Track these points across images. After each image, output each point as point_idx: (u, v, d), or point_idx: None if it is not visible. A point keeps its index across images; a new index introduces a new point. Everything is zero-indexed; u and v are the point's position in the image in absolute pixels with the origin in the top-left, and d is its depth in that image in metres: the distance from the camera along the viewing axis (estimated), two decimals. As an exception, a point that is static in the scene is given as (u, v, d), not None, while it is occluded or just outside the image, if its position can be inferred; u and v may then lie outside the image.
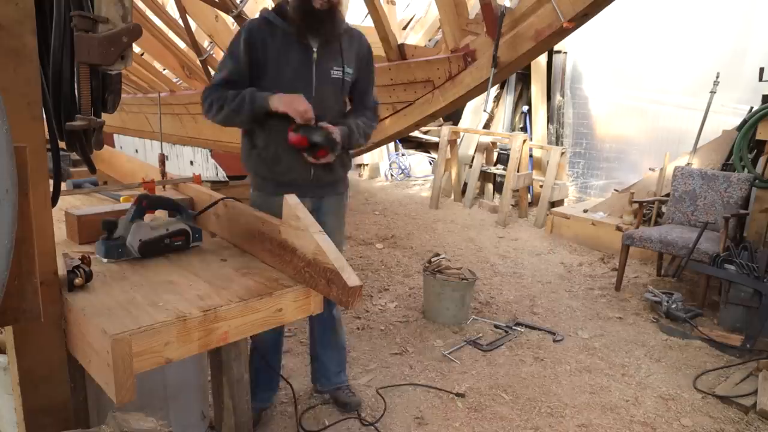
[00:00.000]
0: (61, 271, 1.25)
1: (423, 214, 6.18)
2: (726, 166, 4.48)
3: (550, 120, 6.54)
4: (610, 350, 3.14)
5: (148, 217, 1.67)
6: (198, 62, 4.10)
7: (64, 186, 2.12)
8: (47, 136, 1.22)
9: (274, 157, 2.04)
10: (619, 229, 4.83)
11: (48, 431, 1.22)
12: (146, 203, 1.62)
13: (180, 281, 1.41)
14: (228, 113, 1.95)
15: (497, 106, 6.97)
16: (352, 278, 1.31)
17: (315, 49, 1.98)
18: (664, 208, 4.56)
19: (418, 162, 8.39)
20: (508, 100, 6.85)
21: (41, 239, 1.13)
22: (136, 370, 1.10)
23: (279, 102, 1.90)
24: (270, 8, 2.07)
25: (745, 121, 4.27)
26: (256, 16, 2.07)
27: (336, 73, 2.04)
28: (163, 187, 2.10)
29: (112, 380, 1.07)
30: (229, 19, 3.53)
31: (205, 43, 4.23)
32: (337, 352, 2.48)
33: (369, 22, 3.40)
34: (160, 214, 1.81)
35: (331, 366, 2.47)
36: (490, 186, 6.86)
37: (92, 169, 1.53)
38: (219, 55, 4.47)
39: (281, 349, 2.43)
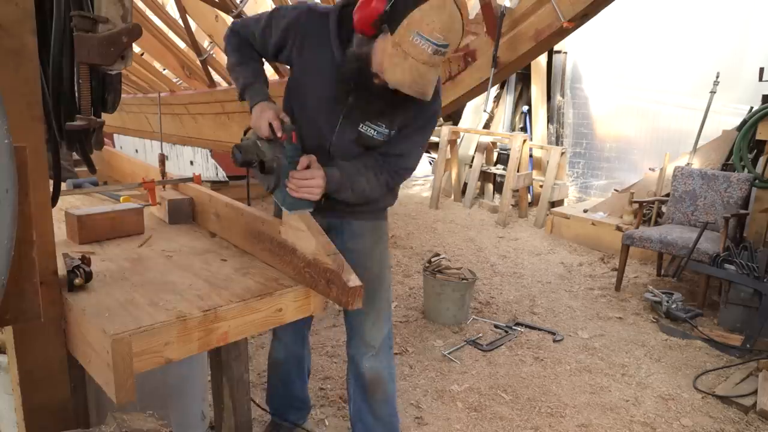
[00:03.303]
0: (61, 271, 1.25)
1: (423, 214, 6.18)
2: (726, 166, 4.48)
3: (550, 120, 6.54)
4: (610, 350, 3.14)
5: None
6: (198, 62, 4.09)
7: (64, 186, 2.12)
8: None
9: None
10: (619, 229, 4.83)
11: (48, 431, 1.22)
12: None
13: (180, 281, 1.41)
14: (230, 73, 1.70)
15: (497, 106, 6.96)
16: (352, 279, 1.31)
17: (352, 97, 1.53)
18: (664, 208, 4.56)
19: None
20: (508, 100, 6.85)
21: (41, 239, 1.13)
22: (136, 370, 1.10)
23: (253, 116, 1.54)
24: (340, 7, 1.54)
25: (745, 121, 4.27)
26: (324, 5, 1.62)
27: (368, 129, 1.58)
28: (163, 187, 2.09)
29: (112, 380, 1.07)
30: (229, 19, 3.52)
31: (205, 43, 4.22)
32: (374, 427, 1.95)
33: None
34: None
35: None
36: (490, 186, 6.86)
37: (92, 169, 1.53)
38: (219, 55, 4.47)
39: (307, 367, 2.17)
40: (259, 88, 1.61)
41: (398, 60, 1.31)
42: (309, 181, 1.45)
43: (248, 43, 1.68)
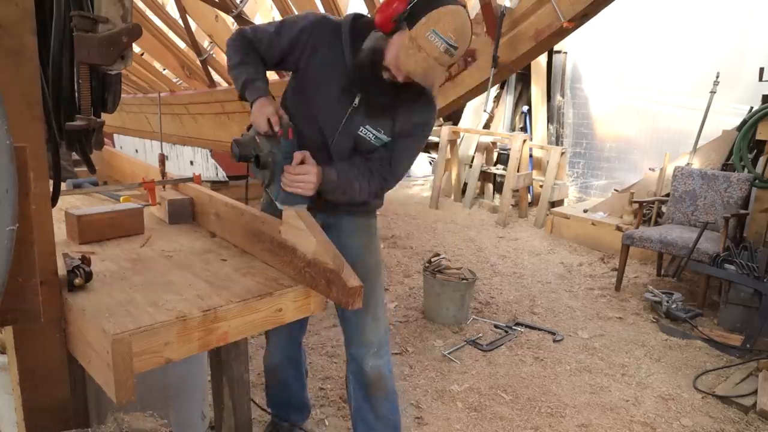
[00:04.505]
0: (61, 271, 1.25)
1: (423, 214, 6.18)
2: (726, 166, 4.48)
3: (550, 120, 6.55)
4: (610, 350, 3.14)
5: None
6: (198, 62, 4.10)
7: (64, 186, 2.12)
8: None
9: None
10: (619, 229, 4.83)
11: (48, 431, 1.22)
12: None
13: (180, 281, 1.41)
14: (230, 72, 1.70)
15: (497, 106, 6.96)
16: (351, 279, 1.31)
17: (358, 97, 1.61)
18: (664, 208, 4.56)
19: (418, 162, 8.39)
20: (508, 100, 6.85)
21: (41, 239, 1.13)
22: (136, 370, 1.10)
23: (253, 112, 1.57)
24: (352, 18, 1.64)
25: (745, 121, 4.28)
26: (335, 17, 1.69)
27: (367, 132, 1.64)
28: (163, 187, 2.10)
29: (112, 380, 1.07)
30: (229, 19, 3.53)
31: (205, 43, 4.23)
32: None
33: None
34: None
35: None
36: (490, 186, 6.86)
37: (92, 169, 1.53)
38: (219, 55, 4.47)
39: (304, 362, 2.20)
40: (260, 84, 1.63)
41: (412, 52, 1.43)
42: (302, 176, 1.49)
43: (253, 47, 1.68)
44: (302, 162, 1.51)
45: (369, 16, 1.71)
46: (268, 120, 1.52)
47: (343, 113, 1.63)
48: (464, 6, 1.47)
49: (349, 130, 1.65)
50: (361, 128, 1.64)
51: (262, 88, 1.62)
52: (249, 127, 1.65)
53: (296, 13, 3.20)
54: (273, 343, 2.07)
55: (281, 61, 1.69)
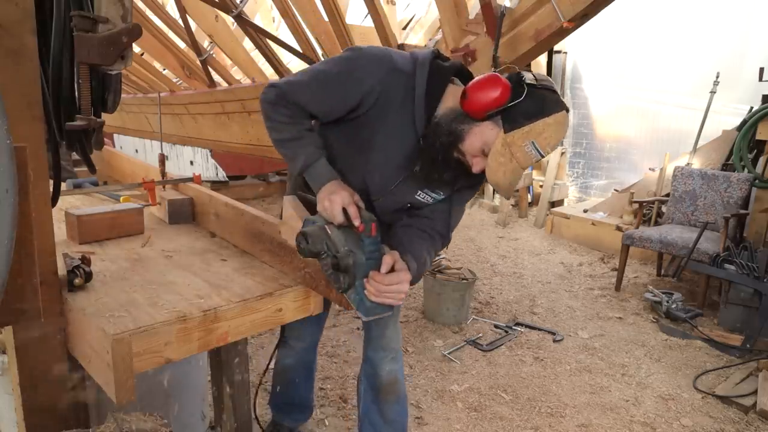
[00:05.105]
0: (61, 271, 1.25)
1: (423, 214, 6.18)
2: (726, 166, 4.48)
3: (550, 120, 6.54)
4: (610, 350, 3.14)
5: None
6: (198, 62, 4.10)
7: (64, 186, 2.12)
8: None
9: None
10: (619, 229, 4.83)
11: (48, 431, 1.22)
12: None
13: (180, 281, 1.41)
14: (278, 147, 1.43)
15: (497, 106, 6.95)
16: (352, 279, 1.30)
17: (420, 165, 1.40)
18: (664, 208, 4.56)
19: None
20: (508, 100, 6.84)
21: (41, 239, 1.13)
22: (136, 370, 1.10)
23: (321, 198, 1.33)
24: (428, 63, 1.37)
25: (745, 121, 4.28)
26: (404, 58, 1.37)
27: (425, 196, 1.49)
28: (163, 187, 2.10)
29: (112, 380, 1.07)
30: (229, 19, 3.53)
31: (205, 43, 4.22)
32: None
33: (369, 22, 3.40)
34: None
35: None
36: (490, 186, 6.85)
37: (92, 169, 1.53)
38: (219, 55, 4.47)
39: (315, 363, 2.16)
40: (324, 165, 1.38)
41: (504, 160, 1.26)
42: (395, 286, 1.25)
43: (301, 109, 1.39)
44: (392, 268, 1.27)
45: (443, 57, 1.42)
46: (344, 210, 1.27)
47: (398, 176, 1.44)
48: (567, 110, 1.28)
49: (402, 192, 1.48)
50: (419, 192, 1.48)
51: (330, 171, 1.38)
52: (308, 204, 1.40)
53: (296, 13, 3.18)
54: (290, 346, 2.01)
55: (344, 116, 1.42)
